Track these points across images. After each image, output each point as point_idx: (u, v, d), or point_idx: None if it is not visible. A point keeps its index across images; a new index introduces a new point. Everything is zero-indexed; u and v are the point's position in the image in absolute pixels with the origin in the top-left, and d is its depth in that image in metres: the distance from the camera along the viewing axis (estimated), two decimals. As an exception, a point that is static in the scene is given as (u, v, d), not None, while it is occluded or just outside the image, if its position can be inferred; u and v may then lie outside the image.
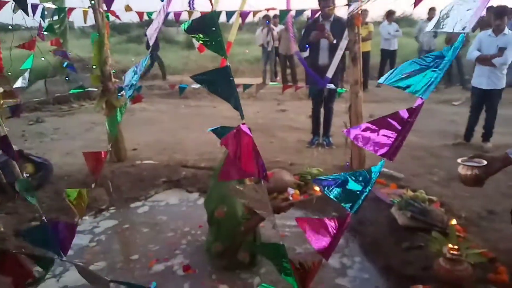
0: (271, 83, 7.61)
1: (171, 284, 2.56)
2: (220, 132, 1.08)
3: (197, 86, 4.11)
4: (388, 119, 1.12)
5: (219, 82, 1.00)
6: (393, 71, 1.17)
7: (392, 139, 1.05)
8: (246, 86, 4.02)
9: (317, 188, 2.89)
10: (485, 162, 2.04)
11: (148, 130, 6.11)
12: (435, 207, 2.91)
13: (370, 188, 1.10)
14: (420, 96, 1.08)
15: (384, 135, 1.09)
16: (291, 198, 2.76)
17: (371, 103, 7.26)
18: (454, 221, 2.68)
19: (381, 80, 1.19)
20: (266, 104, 8.25)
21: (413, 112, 1.04)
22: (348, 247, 2.96)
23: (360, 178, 1.13)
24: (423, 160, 4.54)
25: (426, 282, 2.26)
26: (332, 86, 4.35)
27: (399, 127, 1.04)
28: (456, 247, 2.32)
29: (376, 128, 1.12)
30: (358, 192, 1.09)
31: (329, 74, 4.21)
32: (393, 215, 2.90)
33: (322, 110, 5.18)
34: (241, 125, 1.01)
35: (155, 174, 4.09)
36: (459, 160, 2.20)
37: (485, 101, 4.82)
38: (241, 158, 1.01)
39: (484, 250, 2.47)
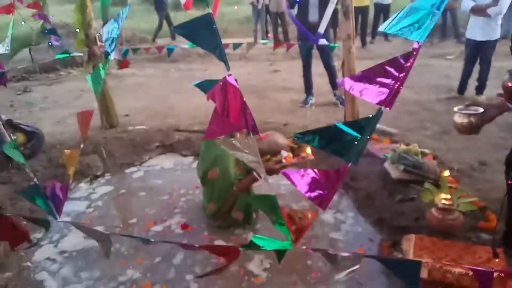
0: (262, 41, 7.42)
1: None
2: (205, 86, 1.04)
3: (185, 46, 3.99)
4: (385, 66, 1.09)
5: (202, 32, 0.95)
6: (393, 18, 1.12)
7: (390, 86, 1.02)
8: (236, 45, 3.90)
9: (309, 151, 2.89)
10: (481, 110, 2.01)
11: (138, 95, 6.01)
12: (428, 160, 2.93)
13: (369, 137, 1.07)
14: (417, 40, 1.04)
15: (381, 83, 1.06)
16: (284, 160, 2.78)
17: (365, 60, 7.12)
18: (446, 173, 2.73)
19: (381, 28, 1.14)
20: (258, 65, 8.09)
21: (411, 56, 1.01)
22: (341, 202, 3.01)
23: (356, 128, 1.10)
24: (416, 115, 4.53)
25: (418, 231, 2.31)
26: (324, 41, 4.24)
27: (397, 74, 1.01)
28: (448, 197, 2.36)
29: (373, 77, 1.08)
30: (355, 142, 1.07)
31: (321, 29, 4.08)
32: (386, 169, 2.93)
33: (312, 68, 5.10)
34: (227, 76, 0.98)
35: (148, 139, 4.06)
36: (455, 109, 2.17)
37: (479, 53, 4.76)
38: (229, 110, 0.98)
39: (475, 199, 2.51)
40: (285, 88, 6.22)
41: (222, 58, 0.96)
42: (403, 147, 3.03)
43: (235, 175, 2.65)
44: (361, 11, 8.54)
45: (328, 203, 1.06)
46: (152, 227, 2.82)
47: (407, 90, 5.61)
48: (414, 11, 1.10)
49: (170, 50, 4.17)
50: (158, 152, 3.96)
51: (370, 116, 1.05)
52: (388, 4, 9.01)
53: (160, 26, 10.45)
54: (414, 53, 0.97)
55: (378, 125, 3.99)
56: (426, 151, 3.12)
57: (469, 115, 2.09)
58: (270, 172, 2.60)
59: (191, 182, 3.32)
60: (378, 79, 1.03)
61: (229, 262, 1.20)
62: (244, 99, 0.98)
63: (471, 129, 2.12)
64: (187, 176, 3.48)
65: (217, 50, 0.95)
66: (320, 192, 1.15)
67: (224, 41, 1.02)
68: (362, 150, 1.02)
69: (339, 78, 4.63)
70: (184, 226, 2.79)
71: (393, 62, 1.09)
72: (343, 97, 4.75)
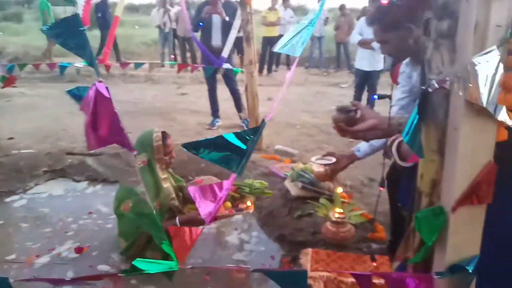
0: (166, 62, 7.33)
1: (60, 269, 2.37)
2: (80, 93, 0.95)
3: (80, 65, 3.73)
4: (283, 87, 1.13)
5: (69, 34, 0.87)
6: (283, 39, 1.19)
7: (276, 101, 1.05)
8: (138, 65, 3.78)
9: (249, 203, 2.67)
10: (334, 160, 2.25)
11: (28, 117, 5.43)
12: (324, 178, 3.09)
13: (253, 147, 1.08)
14: (296, 55, 1.10)
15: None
16: None
17: (269, 87, 7.49)
18: (340, 189, 2.90)
19: (275, 48, 1.20)
20: (165, 87, 7.96)
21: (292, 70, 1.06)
22: (246, 222, 3.01)
23: (242, 139, 1.10)
24: (315, 137, 4.83)
25: (315, 245, 2.40)
26: (228, 65, 4.34)
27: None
28: (341, 211, 2.50)
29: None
30: (241, 153, 1.06)
31: (224, 54, 4.18)
32: (286, 187, 3.03)
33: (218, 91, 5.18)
34: (96, 83, 0.90)
35: (34, 163, 3.64)
36: (312, 159, 2.50)
37: (366, 81, 5.31)
38: (100, 123, 0.90)
39: (365, 212, 2.71)
40: (192, 111, 6.20)
41: (92, 64, 0.89)
42: (300, 165, 3.17)
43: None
44: (269, 41, 9.04)
45: (213, 216, 1.03)
46: (35, 260, 2.49)
47: (307, 114, 6.00)
48: (297, 30, 1.17)
49: (62, 68, 3.87)
50: (46, 178, 3.56)
51: (254, 127, 1.06)
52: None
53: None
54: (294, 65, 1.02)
55: (280, 146, 4.18)
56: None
57: (324, 165, 2.41)
58: (196, 222, 2.29)
59: (84, 209, 3.04)
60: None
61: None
62: (116, 110, 0.91)
63: (326, 176, 2.50)
64: (79, 203, 3.18)
65: (86, 55, 0.87)
66: (210, 206, 1.12)
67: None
68: (247, 161, 1.02)
69: (244, 101, 4.75)
70: (78, 250, 2.54)
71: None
72: (248, 119, 4.87)
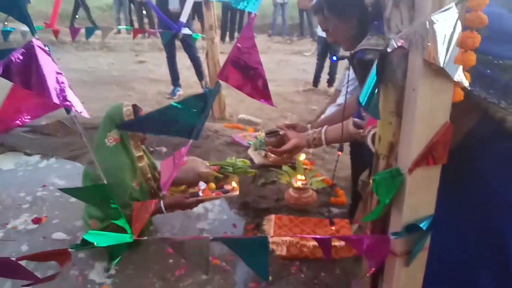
0: (120, 26, 6.95)
1: (14, 243, 2.28)
2: None
3: (25, 29, 3.43)
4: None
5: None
6: None
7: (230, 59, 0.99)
8: (89, 30, 3.52)
9: (234, 184, 2.52)
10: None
11: (-30, 87, 5.02)
12: (287, 145, 3.11)
13: (208, 112, 1.02)
14: (252, 11, 1.04)
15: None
16: (201, 193, 2.38)
17: (232, 54, 7.32)
18: (302, 156, 2.93)
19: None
20: (122, 55, 7.60)
21: (249, 29, 0.99)
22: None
23: (195, 104, 1.04)
24: (278, 106, 4.81)
25: (278, 211, 2.43)
26: (187, 30, 4.16)
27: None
28: (303, 177, 2.53)
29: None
30: (195, 119, 1.01)
31: (183, 18, 3.98)
32: (250, 156, 3.02)
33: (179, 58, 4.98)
34: (34, 40, 0.81)
35: (-20, 137, 3.40)
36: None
37: (329, 49, 5.29)
38: (39, 86, 0.81)
39: (326, 177, 2.76)
40: (151, 80, 5.98)
41: (23, 19, 0.79)
42: (263, 133, 3.16)
43: (132, 192, 2.17)
44: (230, 6, 8.74)
45: (168, 185, 0.98)
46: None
47: (270, 83, 5.85)
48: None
49: (6, 32, 3.56)
50: (-6, 153, 3.35)
51: (207, 91, 1.00)
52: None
53: (85, 8, 8.87)
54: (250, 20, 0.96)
55: (243, 115, 4.13)
56: (285, 137, 3.32)
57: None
58: (182, 206, 2.23)
59: (38, 182, 2.90)
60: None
61: (61, 264, 1.02)
62: (58, 69, 0.83)
63: (283, 160, 2.76)
64: (31, 177, 3.02)
65: (14, 8, 0.77)
66: (166, 175, 1.07)
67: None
68: (202, 126, 0.97)
69: (205, 68, 4.62)
70: (37, 220, 2.46)
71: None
72: (210, 87, 4.74)
